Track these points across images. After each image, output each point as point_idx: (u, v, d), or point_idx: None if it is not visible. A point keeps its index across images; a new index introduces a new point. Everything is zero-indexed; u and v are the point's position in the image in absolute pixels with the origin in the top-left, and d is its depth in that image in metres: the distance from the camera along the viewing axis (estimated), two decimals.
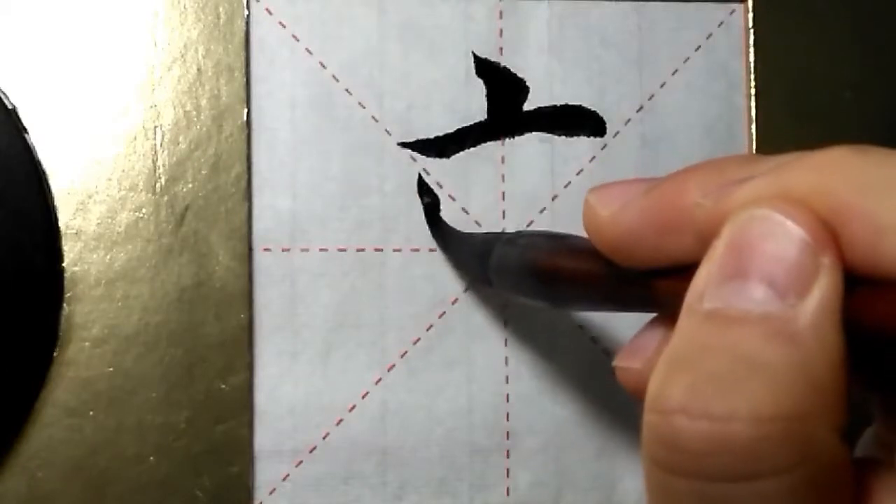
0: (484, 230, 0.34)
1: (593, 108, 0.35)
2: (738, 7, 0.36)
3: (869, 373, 0.20)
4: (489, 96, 0.35)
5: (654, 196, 0.20)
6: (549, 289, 0.25)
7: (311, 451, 0.33)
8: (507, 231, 0.29)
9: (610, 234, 0.21)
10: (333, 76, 0.34)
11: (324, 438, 0.33)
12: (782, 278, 0.17)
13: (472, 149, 0.34)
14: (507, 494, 0.34)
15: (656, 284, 0.20)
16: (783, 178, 0.17)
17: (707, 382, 0.16)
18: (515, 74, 0.35)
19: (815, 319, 0.16)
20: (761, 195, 0.17)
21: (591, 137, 0.35)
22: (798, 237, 0.17)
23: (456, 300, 0.34)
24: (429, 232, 0.34)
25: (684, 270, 0.19)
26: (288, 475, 0.33)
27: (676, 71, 0.35)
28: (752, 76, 0.35)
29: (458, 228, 0.34)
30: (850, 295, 0.17)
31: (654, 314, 0.22)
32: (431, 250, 0.34)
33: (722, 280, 0.17)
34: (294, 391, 0.33)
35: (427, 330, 0.34)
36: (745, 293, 0.17)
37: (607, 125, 0.35)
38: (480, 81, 0.35)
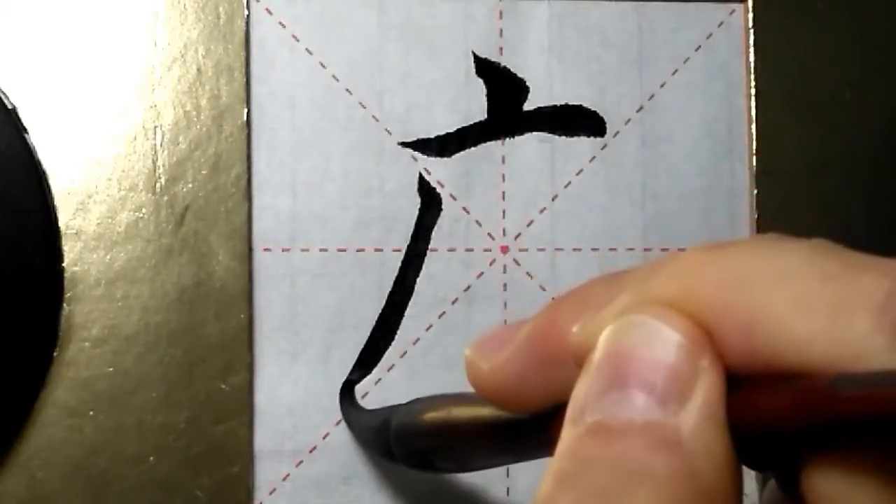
0: (484, 230, 0.34)
1: (593, 108, 0.35)
2: (738, 7, 0.36)
3: (757, 461, 0.20)
4: (489, 96, 0.35)
5: (528, 336, 0.20)
6: (447, 450, 0.24)
7: (311, 451, 0.33)
8: (397, 404, 0.29)
9: (495, 385, 0.20)
10: (333, 76, 0.34)
11: (324, 438, 0.33)
12: (662, 384, 0.16)
13: (472, 149, 0.34)
14: (507, 494, 0.34)
15: (553, 426, 0.20)
16: (648, 288, 0.17)
17: (593, 497, 0.16)
18: (515, 74, 0.35)
19: (698, 425, 0.16)
20: (625, 308, 0.17)
21: (591, 137, 0.35)
22: (674, 341, 0.16)
23: (456, 300, 0.34)
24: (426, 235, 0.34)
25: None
26: (288, 475, 0.33)
27: (676, 71, 0.35)
28: (752, 76, 0.35)
29: (459, 228, 0.34)
30: (732, 394, 0.16)
31: None
32: (432, 250, 0.34)
33: (602, 391, 0.17)
34: (294, 391, 0.33)
35: (427, 330, 0.34)
36: (626, 402, 0.16)
37: (607, 125, 0.35)
38: (480, 81, 0.35)
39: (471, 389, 0.21)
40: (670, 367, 0.16)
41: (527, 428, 0.21)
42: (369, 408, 0.33)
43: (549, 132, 0.35)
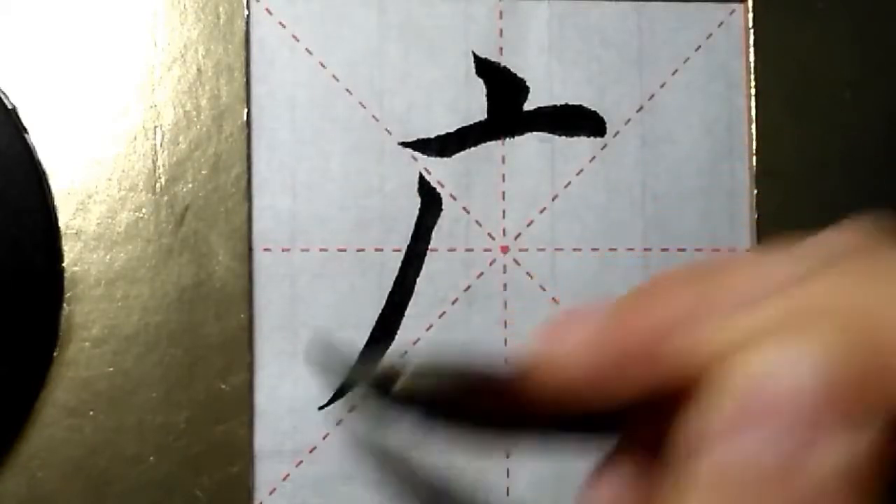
0: (484, 230, 0.34)
1: (593, 108, 0.35)
2: (738, 7, 0.36)
3: None
4: (489, 96, 0.35)
5: (609, 331, 0.18)
6: (465, 430, 0.23)
7: (311, 452, 0.33)
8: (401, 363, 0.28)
9: (561, 377, 0.19)
10: (333, 76, 0.34)
11: (324, 438, 0.33)
12: (804, 428, 0.15)
13: (472, 148, 0.34)
14: (507, 494, 0.34)
15: (621, 422, 0.19)
16: (795, 304, 0.15)
17: None
18: (515, 74, 0.35)
19: (840, 480, 0.15)
20: (748, 338, 0.15)
21: (591, 137, 0.35)
22: (830, 377, 0.14)
23: (456, 300, 0.34)
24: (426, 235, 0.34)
25: (648, 409, 0.18)
26: (288, 475, 0.33)
27: (676, 71, 0.35)
28: (752, 76, 0.35)
29: (459, 228, 0.34)
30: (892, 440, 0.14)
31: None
32: (432, 250, 0.34)
33: (733, 425, 0.15)
34: (294, 391, 0.33)
35: (427, 330, 0.34)
36: (763, 442, 0.15)
37: (607, 125, 0.35)
38: (480, 81, 0.35)
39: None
40: (817, 409, 0.15)
41: (588, 423, 0.20)
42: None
43: (549, 132, 0.35)
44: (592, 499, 0.21)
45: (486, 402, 0.22)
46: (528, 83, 0.35)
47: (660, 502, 0.17)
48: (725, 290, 0.17)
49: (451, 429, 0.24)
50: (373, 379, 0.29)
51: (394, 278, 0.34)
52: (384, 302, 0.34)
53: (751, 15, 0.36)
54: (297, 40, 0.34)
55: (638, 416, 0.19)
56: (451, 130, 0.34)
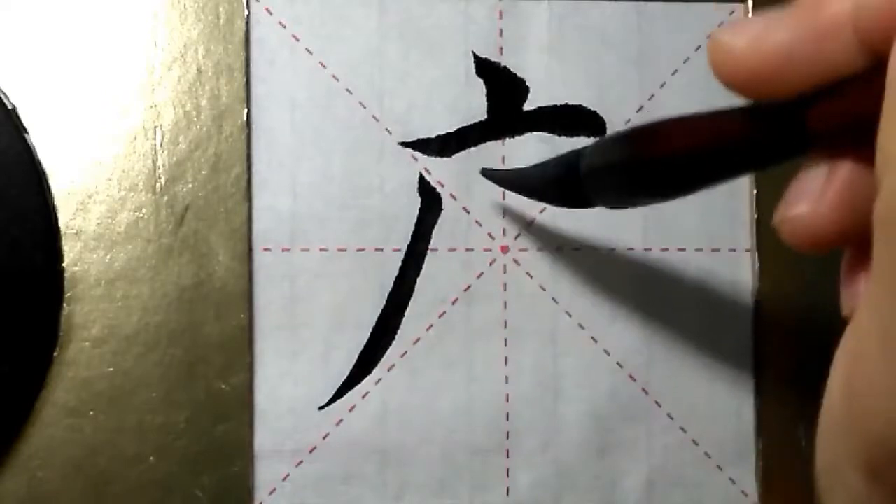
0: (484, 230, 0.34)
1: (593, 108, 0.35)
2: (738, 7, 0.36)
3: None
4: (489, 96, 0.35)
5: (802, 7, 0.18)
6: (678, 177, 0.23)
7: (311, 451, 0.33)
8: (581, 147, 0.27)
9: (753, 63, 0.19)
10: (333, 76, 0.34)
11: (324, 438, 0.33)
12: None
13: (472, 148, 0.34)
14: (507, 494, 0.34)
15: (812, 113, 0.19)
16: None
17: None
18: (515, 74, 0.35)
19: None
20: None
21: (591, 137, 0.35)
22: None
23: (456, 300, 0.34)
24: (428, 232, 0.34)
25: (837, 92, 0.18)
26: (288, 475, 0.33)
27: (676, 71, 0.35)
28: None
29: (459, 228, 0.34)
30: None
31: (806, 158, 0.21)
32: (432, 250, 0.34)
33: None
34: (294, 391, 0.33)
35: (427, 330, 0.34)
36: None
37: (607, 125, 0.35)
38: (480, 81, 0.35)
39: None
40: None
41: (781, 121, 0.19)
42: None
43: (549, 132, 0.35)
44: (790, 200, 0.20)
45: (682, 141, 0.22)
46: (528, 83, 0.35)
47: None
48: None
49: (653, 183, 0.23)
50: (552, 175, 0.29)
51: (394, 278, 0.34)
52: (384, 302, 0.34)
53: (750, 15, 0.36)
54: (297, 40, 0.34)
55: (829, 121, 0.18)
56: (451, 130, 0.34)
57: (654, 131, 0.23)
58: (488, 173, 0.34)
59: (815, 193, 0.20)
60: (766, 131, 0.20)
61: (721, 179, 0.23)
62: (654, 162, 0.23)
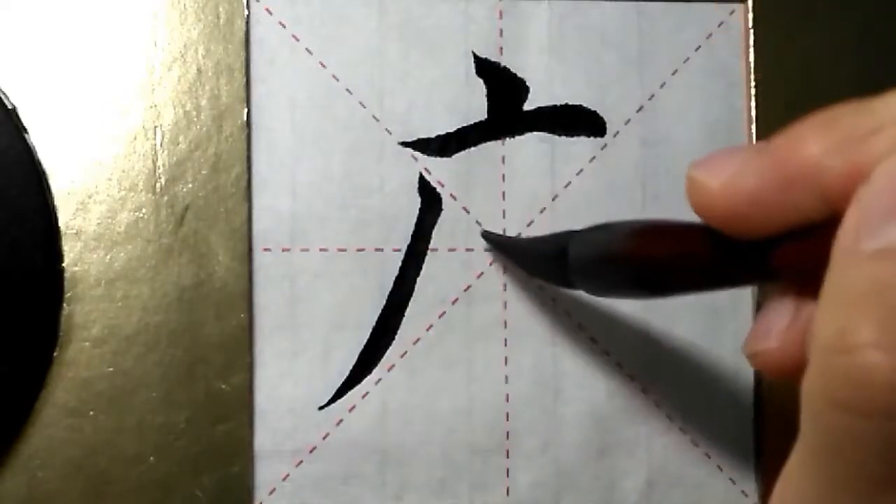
0: (484, 230, 0.34)
1: (593, 108, 0.35)
2: (738, 7, 0.36)
3: None
4: (489, 96, 0.35)
5: (771, 155, 0.20)
6: (648, 280, 0.24)
7: (311, 451, 0.33)
8: (577, 229, 0.29)
9: (724, 205, 0.20)
10: (333, 76, 0.34)
11: (324, 438, 0.33)
12: None
13: (472, 148, 0.34)
14: (507, 494, 0.34)
15: (777, 253, 0.20)
16: None
17: None
18: (515, 74, 0.35)
19: None
20: None
21: (591, 137, 0.35)
22: None
23: (456, 300, 0.34)
24: (428, 232, 0.34)
25: (802, 235, 0.19)
26: (288, 475, 0.33)
27: (676, 71, 0.35)
28: (752, 76, 0.35)
29: (459, 228, 0.34)
30: None
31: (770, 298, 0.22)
32: (432, 250, 0.34)
33: (882, 219, 0.17)
34: (294, 391, 0.33)
35: (427, 330, 0.34)
36: None
37: (607, 125, 0.35)
38: (480, 81, 0.35)
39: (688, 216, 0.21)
40: None
41: (749, 254, 0.21)
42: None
43: (549, 132, 0.35)
44: (759, 334, 0.22)
45: (654, 250, 0.23)
46: (528, 83, 0.35)
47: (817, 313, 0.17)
48: (861, 125, 0.18)
49: (626, 284, 0.25)
50: (542, 251, 0.30)
51: (394, 278, 0.34)
52: (384, 302, 0.34)
53: (751, 15, 0.36)
54: (297, 40, 0.34)
55: (794, 259, 0.20)
56: (451, 130, 0.34)
57: (636, 231, 0.25)
58: (488, 236, 0.34)
59: (782, 329, 0.21)
60: (733, 261, 0.21)
61: (689, 291, 0.25)
62: (630, 261, 0.24)
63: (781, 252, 0.20)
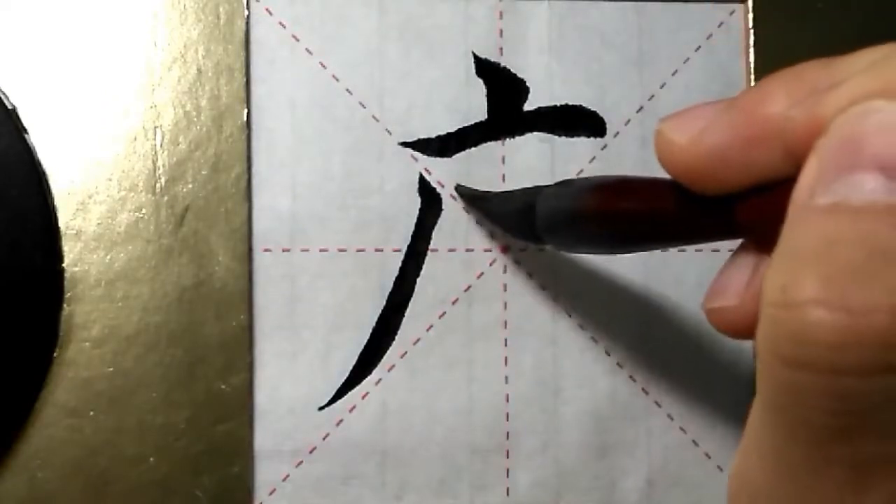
0: (484, 230, 0.34)
1: (593, 109, 0.35)
2: (738, 7, 0.36)
3: None
4: (489, 96, 0.35)
5: (737, 111, 0.20)
6: (613, 234, 0.24)
7: (311, 452, 0.33)
8: (545, 185, 0.29)
9: (690, 160, 0.20)
10: (333, 76, 0.34)
11: (324, 438, 0.33)
12: None
13: (472, 149, 0.34)
14: (507, 494, 0.34)
15: (740, 209, 0.20)
16: (883, 76, 0.17)
17: (843, 274, 0.16)
18: (515, 74, 0.35)
19: None
20: (861, 95, 0.17)
21: (591, 137, 0.35)
22: None
23: (456, 300, 0.34)
24: (429, 231, 0.34)
25: (768, 190, 0.19)
26: (288, 475, 0.33)
27: (676, 71, 0.35)
28: (752, 76, 0.35)
29: (459, 228, 0.34)
30: None
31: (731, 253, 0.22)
32: (432, 250, 0.34)
33: (836, 173, 0.16)
34: (294, 391, 0.33)
35: (427, 330, 0.34)
36: (864, 185, 0.16)
37: (607, 125, 0.35)
38: (480, 81, 0.35)
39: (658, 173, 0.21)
40: None
41: (711, 209, 0.21)
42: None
43: (549, 132, 0.35)
44: (718, 290, 0.22)
45: (621, 204, 0.23)
46: (528, 83, 0.35)
47: (768, 270, 0.17)
48: (825, 79, 0.18)
49: (594, 238, 0.25)
50: (512, 206, 0.30)
51: (394, 278, 0.34)
52: (384, 302, 0.34)
53: (751, 15, 0.36)
54: (297, 40, 0.34)
55: (755, 216, 0.20)
56: (451, 131, 0.34)
57: (600, 186, 0.25)
58: (461, 190, 0.34)
59: (741, 287, 0.21)
60: (696, 215, 0.21)
61: (654, 246, 0.25)
62: (595, 216, 0.24)
63: (745, 207, 0.20)
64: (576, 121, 0.35)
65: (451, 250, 0.34)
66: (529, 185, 0.31)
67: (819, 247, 0.16)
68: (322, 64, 0.34)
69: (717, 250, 0.35)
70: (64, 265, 0.32)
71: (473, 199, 0.34)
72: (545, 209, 0.27)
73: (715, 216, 0.21)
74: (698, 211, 0.21)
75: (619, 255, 0.35)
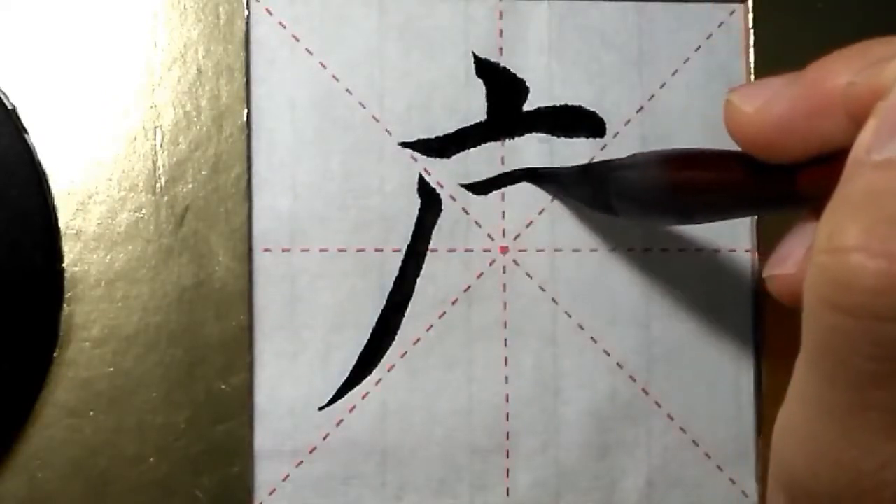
0: (484, 230, 0.34)
1: (593, 109, 0.35)
2: (738, 7, 0.36)
3: None
4: (489, 96, 0.35)
5: (803, 83, 0.21)
6: (682, 203, 0.25)
7: (311, 452, 0.33)
8: (614, 158, 0.30)
9: (757, 129, 0.21)
10: (333, 76, 0.34)
11: (324, 439, 0.33)
12: None
13: (472, 149, 0.34)
14: (507, 494, 0.34)
15: (802, 177, 0.21)
16: None
17: (886, 223, 0.17)
18: (515, 75, 0.35)
19: None
20: None
21: (591, 138, 0.35)
22: None
23: (456, 300, 0.34)
24: (427, 233, 0.34)
25: (830, 159, 0.20)
26: (288, 475, 0.33)
27: (676, 71, 0.35)
28: (752, 76, 0.35)
29: (459, 228, 0.34)
30: None
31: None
32: (432, 250, 0.34)
33: (892, 133, 0.17)
34: (294, 391, 0.33)
35: (427, 330, 0.34)
36: None
37: (607, 125, 0.35)
38: (480, 81, 0.35)
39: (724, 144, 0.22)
40: None
41: (775, 177, 0.22)
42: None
43: (549, 133, 0.35)
44: (778, 259, 0.23)
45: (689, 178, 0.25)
46: (528, 83, 0.35)
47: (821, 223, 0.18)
48: (887, 52, 0.19)
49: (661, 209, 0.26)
50: (587, 179, 0.32)
51: (394, 278, 0.34)
52: (384, 302, 0.34)
53: (751, 15, 0.36)
54: (297, 40, 0.34)
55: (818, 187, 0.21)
56: (451, 131, 0.34)
57: (671, 158, 0.26)
58: (535, 173, 0.34)
59: (799, 256, 0.22)
60: (760, 184, 0.23)
61: (721, 216, 0.26)
62: (666, 187, 0.26)
63: (807, 176, 0.21)
64: (575, 121, 0.35)
65: (450, 250, 0.34)
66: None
67: (866, 198, 0.17)
68: (322, 64, 0.34)
69: (717, 250, 0.35)
70: (64, 265, 0.32)
71: (547, 178, 0.34)
72: (618, 182, 0.29)
73: (778, 185, 0.22)
74: (762, 180, 0.22)
75: (618, 254, 0.35)
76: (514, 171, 0.34)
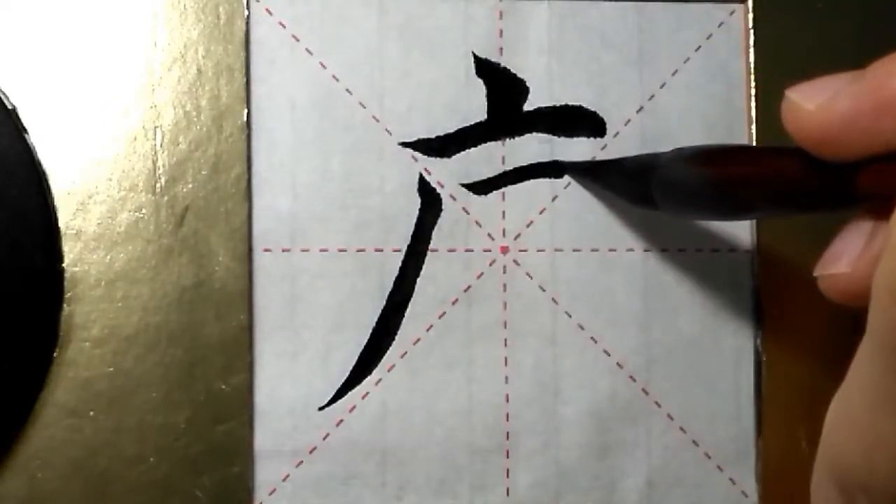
0: (484, 230, 0.34)
1: (593, 109, 0.35)
2: (738, 7, 0.36)
3: None
4: (489, 96, 0.35)
5: (867, 81, 0.20)
6: (730, 199, 0.25)
7: (311, 452, 0.33)
8: (662, 151, 0.30)
9: (818, 127, 0.21)
10: (333, 76, 0.34)
11: (324, 439, 0.33)
12: None
13: (472, 149, 0.34)
14: (507, 495, 0.34)
15: (863, 175, 0.21)
16: None
17: None
18: (515, 75, 0.35)
19: None
20: None
21: (591, 138, 0.35)
22: None
23: (456, 300, 0.34)
24: (428, 233, 0.34)
25: (889, 159, 0.20)
26: (288, 475, 0.33)
27: (676, 71, 0.35)
28: (752, 76, 0.35)
29: (459, 228, 0.34)
30: None
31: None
32: (432, 250, 0.34)
33: None
34: (294, 391, 0.33)
35: (427, 330, 0.34)
36: None
37: (607, 125, 0.35)
38: (480, 81, 0.35)
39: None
40: None
41: (833, 176, 0.21)
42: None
43: (550, 132, 0.35)
44: (832, 258, 0.22)
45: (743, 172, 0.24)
46: (528, 83, 0.35)
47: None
48: None
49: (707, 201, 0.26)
50: (627, 172, 0.31)
51: (394, 278, 0.34)
52: (384, 302, 0.34)
53: (751, 15, 0.36)
54: (297, 40, 0.34)
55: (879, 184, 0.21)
56: (451, 131, 0.34)
57: (718, 152, 0.25)
58: (572, 166, 0.34)
59: (854, 253, 0.22)
60: (816, 182, 0.22)
61: (774, 212, 0.26)
62: (713, 181, 0.25)
63: (867, 175, 0.21)
64: (576, 121, 0.35)
65: (450, 250, 0.34)
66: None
67: None
68: (322, 64, 0.34)
69: (717, 250, 0.35)
70: (64, 265, 0.32)
71: (584, 171, 0.34)
72: (662, 176, 0.28)
73: (835, 183, 0.21)
74: (820, 178, 0.22)
75: (618, 254, 0.35)
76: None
